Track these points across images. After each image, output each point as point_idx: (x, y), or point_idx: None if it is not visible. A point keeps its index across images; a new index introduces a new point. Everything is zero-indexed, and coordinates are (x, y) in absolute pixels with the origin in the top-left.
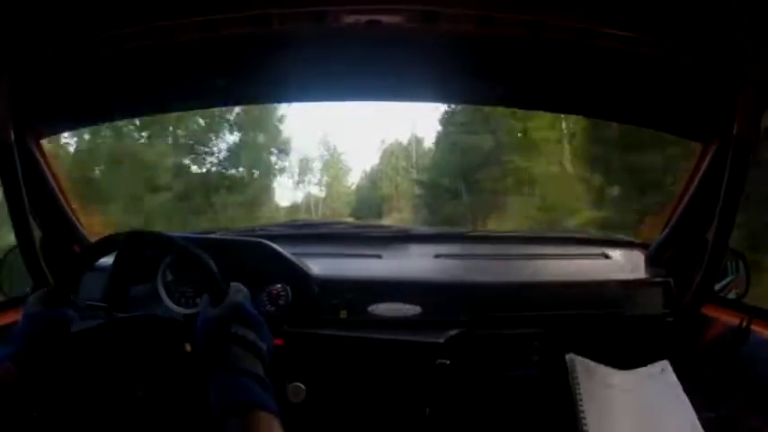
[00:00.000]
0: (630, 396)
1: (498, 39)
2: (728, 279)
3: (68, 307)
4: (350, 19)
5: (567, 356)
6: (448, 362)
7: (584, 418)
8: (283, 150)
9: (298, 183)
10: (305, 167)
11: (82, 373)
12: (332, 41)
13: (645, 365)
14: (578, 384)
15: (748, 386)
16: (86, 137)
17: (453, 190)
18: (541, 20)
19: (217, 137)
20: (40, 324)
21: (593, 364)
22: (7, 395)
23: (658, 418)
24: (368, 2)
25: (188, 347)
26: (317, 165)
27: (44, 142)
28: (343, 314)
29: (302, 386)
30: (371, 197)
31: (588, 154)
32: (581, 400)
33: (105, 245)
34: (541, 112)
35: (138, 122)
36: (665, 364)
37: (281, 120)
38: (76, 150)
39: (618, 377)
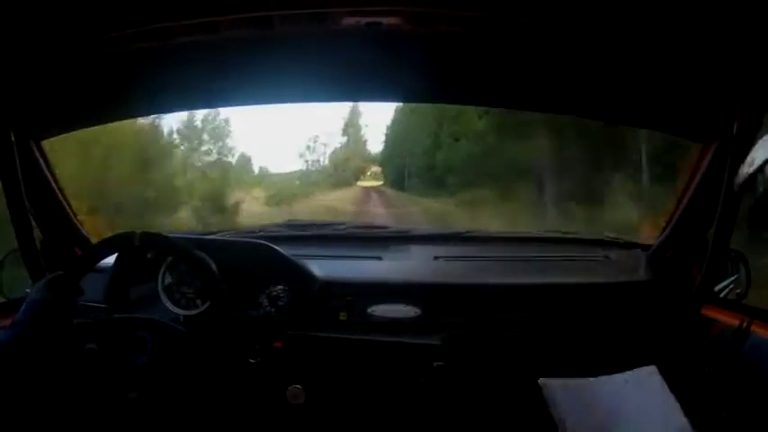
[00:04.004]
0: (616, 403)
1: (499, 40)
2: (729, 279)
3: (73, 294)
4: (350, 21)
5: (540, 381)
6: (443, 364)
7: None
8: None
9: None
10: None
11: (77, 363)
12: (332, 43)
13: (645, 366)
14: (558, 405)
15: (748, 387)
16: None
17: None
18: (542, 22)
19: None
20: (43, 309)
21: (571, 380)
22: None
23: (645, 424)
24: (368, 4)
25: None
26: None
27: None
28: (343, 316)
29: (301, 388)
30: None
31: None
32: (564, 420)
33: (107, 245)
34: None
35: None
36: (653, 369)
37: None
38: None
39: (601, 385)
